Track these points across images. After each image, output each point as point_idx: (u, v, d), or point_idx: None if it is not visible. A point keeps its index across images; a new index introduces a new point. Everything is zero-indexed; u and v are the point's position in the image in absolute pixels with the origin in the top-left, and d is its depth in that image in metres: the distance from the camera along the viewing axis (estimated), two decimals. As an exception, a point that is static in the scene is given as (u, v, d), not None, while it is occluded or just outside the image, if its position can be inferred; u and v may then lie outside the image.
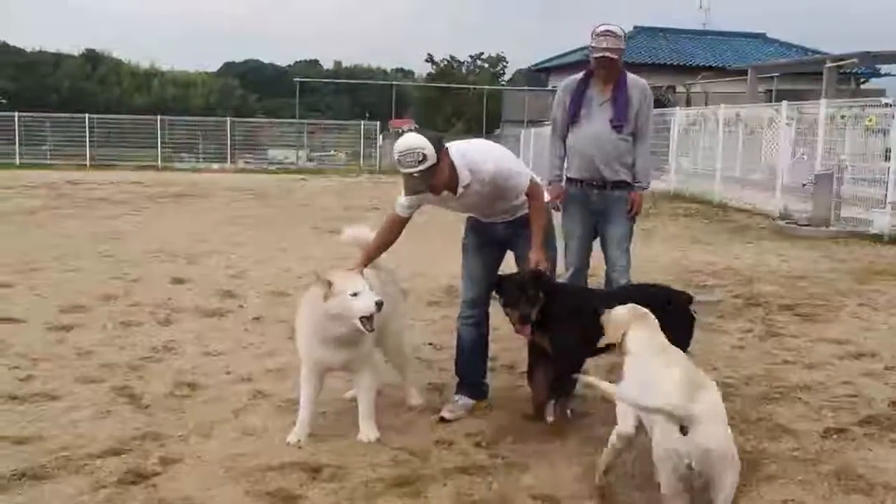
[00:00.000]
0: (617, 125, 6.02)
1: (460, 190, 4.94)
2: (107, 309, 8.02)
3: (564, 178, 6.34)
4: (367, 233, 5.35)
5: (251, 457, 4.56)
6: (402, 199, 5.05)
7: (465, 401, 5.35)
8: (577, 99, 6.12)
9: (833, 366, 6.38)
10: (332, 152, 43.15)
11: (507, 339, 6.59)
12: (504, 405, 5.46)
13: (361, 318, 4.56)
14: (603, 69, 6.01)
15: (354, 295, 4.56)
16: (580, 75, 6.23)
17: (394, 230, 5.16)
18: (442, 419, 5.18)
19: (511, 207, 5.25)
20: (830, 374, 6.14)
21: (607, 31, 5.97)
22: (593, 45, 5.95)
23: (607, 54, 5.92)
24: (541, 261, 5.03)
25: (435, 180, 4.77)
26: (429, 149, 4.67)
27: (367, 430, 4.85)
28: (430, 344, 6.86)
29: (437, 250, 10.96)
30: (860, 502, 4.10)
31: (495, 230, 5.32)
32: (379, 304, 4.54)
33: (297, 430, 4.83)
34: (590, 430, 5.02)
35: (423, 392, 5.62)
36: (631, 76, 6.17)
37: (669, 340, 4.17)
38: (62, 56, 66.47)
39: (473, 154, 4.94)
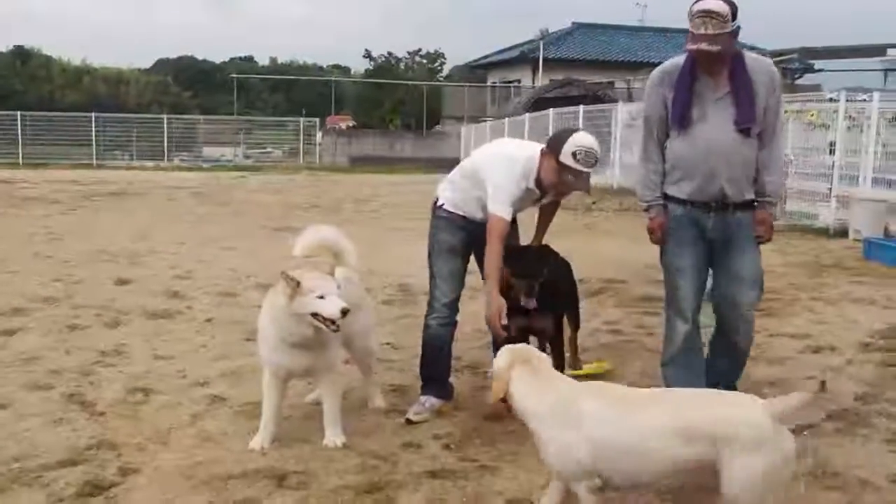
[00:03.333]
0: (744, 127, 4.58)
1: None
2: (49, 312, 7.75)
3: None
4: (333, 234, 5.20)
5: (213, 464, 4.39)
6: (505, 203, 4.86)
7: (431, 402, 5.21)
8: (684, 93, 4.64)
9: (795, 360, 6.39)
10: (270, 149, 42.75)
11: (470, 339, 6.53)
12: (470, 406, 5.34)
13: (320, 319, 4.38)
14: (706, 63, 4.57)
15: (321, 297, 4.39)
16: (681, 59, 4.69)
17: (505, 238, 4.94)
18: (408, 421, 5.06)
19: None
20: (793, 369, 6.14)
21: (705, 11, 4.37)
22: (691, 29, 4.43)
23: (703, 47, 4.39)
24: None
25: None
26: (599, 153, 4.80)
27: (333, 435, 4.69)
28: (388, 343, 6.71)
29: (387, 248, 10.85)
30: (838, 500, 4.07)
31: (480, 232, 5.08)
32: (344, 311, 4.35)
33: (261, 436, 4.66)
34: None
35: (385, 394, 5.49)
36: (750, 56, 4.69)
37: None
38: (-11, 52, 64.80)
39: None
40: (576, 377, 5.61)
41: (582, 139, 4.77)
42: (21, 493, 4.03)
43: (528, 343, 5.43)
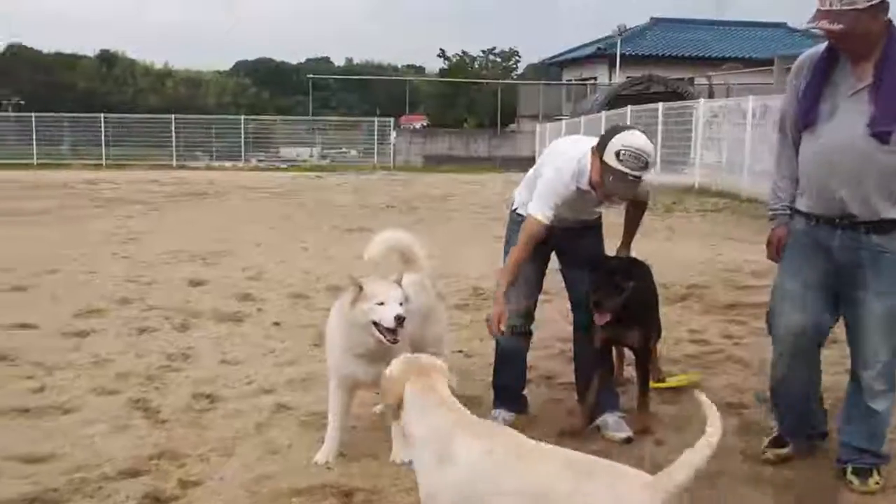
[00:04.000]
0: (882, 130, 3.71)
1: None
2: (123, 314, 7.73)
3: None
4: (404, 238, 5.02)
5: (276, 478, 4.23)
6: (547, 204, 4.55)
7: (504, 415, 4.97)
8: (815, 83, 3.88)
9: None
10: (345, 149, 42.95)
11: (545, 347, 6.30)
12: (545, 420, 5.09)
13: (381, 329, 4.19)
14: (841, 47, 3.81)
15: (381, 304, 4.20)
16: (824, 45, 3.93)
17: (536, 242, 4.66)
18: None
19: (597, 212, 4.96)
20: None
21: None
22: (817, 4, 3.75)
23: (823, 25, 3.69)
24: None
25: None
26: (652, 155, 4.36)
27: (401, 451, 4.50)
28: (460, 351, 6.50)
29: (461, 250, 10.66)
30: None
31: (555, 235, 4.79)
32: (398, 319, 4.15)
33: (326, 449, 4.49)
34: (643, 449, 4.67)
35: (457, 404, 5.28)
36: None
37: None
38: (77, 57, 66.39)
39: None
40: (659, 389, 5.47)
41: (630, 138, 4.27)
42: (81, 505, 3.93)
43: (611, 356, 5.21)
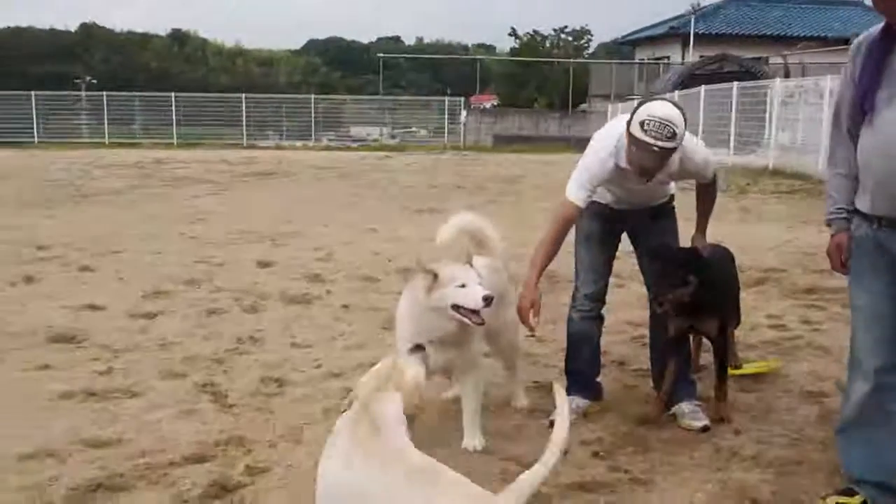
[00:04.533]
0: None
1: (659, 175, 4.32)
2: (190, 295, 7.71)
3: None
4: (477, 220, 4.85)
5: (345, 467, 4.12)
6: (581, 185, 4.40)
7: (578, 402, 4.81)
8: (872, 67, 3.37)
9: None
10: (415, 129, 42.90)
11: (619, 332, 6.11)
12: (619, 407, 4.92)
13: (462, 311, 4.03)
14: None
15: (462, 286, 4.04)
16: (881, 24, 3.39)
17: (569, 225, 4.53)
18: (553, 424, 4.67)
19: (662, 194, 4.74)
20: None
21: None
22: None
23: None
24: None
25: (667, 162, 4.18)
26: (681, 127, 4.08)
27: (472, 438, 4.36)
28: (532, 336, 6.31)
29: (531, 232, 10.42)
30: None
31: (625, 218, 4.72)
32: (487, 299, 4.00)
33: None
34: (721, 438, 4.49)
35: (528, 392, 5.13)
36: None
37: None
38: (150, 36, 67.43)
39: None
40: (736, 377, 5.26)
41: (655, 107, 4.06)
42: (146, 492, 3.85)
43: (688, 343, 4.98)
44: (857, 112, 3.46)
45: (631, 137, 4.10)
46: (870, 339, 3.54)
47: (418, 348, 3.39)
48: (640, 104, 4.18)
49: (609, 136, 4.41)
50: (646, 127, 4.01)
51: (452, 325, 4.09)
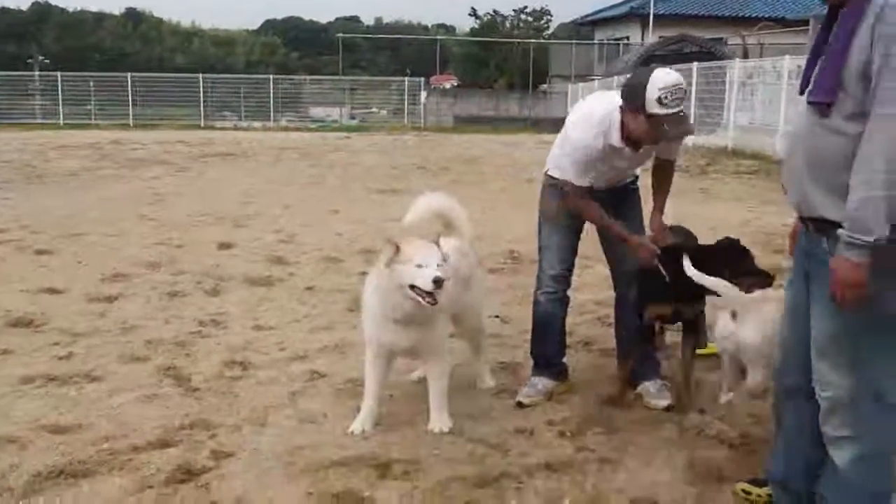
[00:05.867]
0: (815, 101, 2.93)
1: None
2: (151, 278, 7.60)
3: None
4: (446, 202, 4.83)
5: (312, 449, 4.09)
6: (582, 173, 4.41)
7: (544, 383, 4.82)
8: (815, 48, 3.06)
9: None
10: (375, 109, 42.69)
11: (584, 312, 6.11)
12: (586, 388, 4.95)
13: (418, 292, 4.00)
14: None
15: (419, 266, 4.00)
16: None
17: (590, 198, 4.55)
18: (520, 404, 4.68)
19: (632, 174, 4.78)
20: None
21: None
22: None
23: None
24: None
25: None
26: (684, 83, 4.16)
27: (439, 420, 4.34)
28: (497, 317, 6.32)
29: (495, 213, 10.45)
30: None
31: (596, 198, 4.68)
32: (437, 282, 3.95)
33: (362, 418, 4.34)
34: (686, 418, 4.52)
35: (494, 372, 5.12)
36: None
37: None
38: (104, 15, 66.36)
39: None
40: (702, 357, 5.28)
41: (662, 78, 4.02)
42: (109, 478, 3.78)
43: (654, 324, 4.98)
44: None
45: (653, 118, 4.05)
46: (786, 343, 3.37)
47: None
48: (635, 84, 4.13)
49: (590, 121, 4.37)
50: (665, 101, 4.00)
51: (409, 305, 4.06)
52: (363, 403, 4.38)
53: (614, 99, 4.34)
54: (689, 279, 4.35)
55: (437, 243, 4.17)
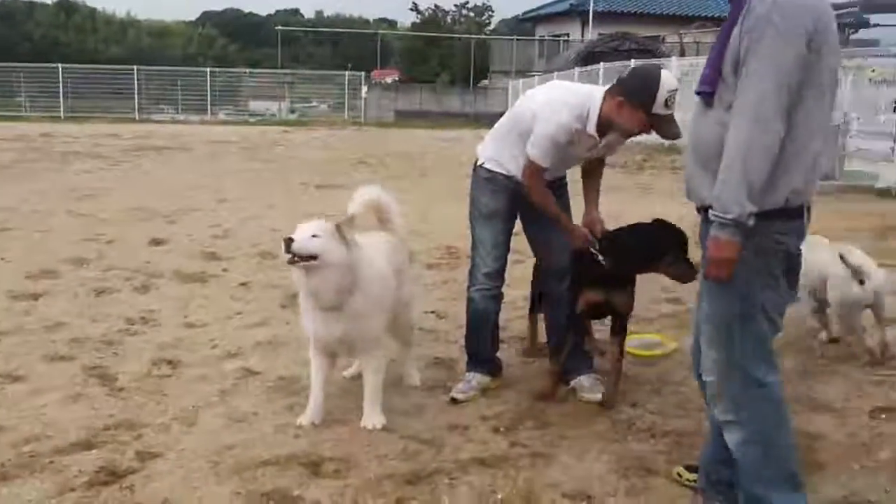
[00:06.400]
0: (701, 90, 3.08)
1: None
2: (79, 274, 7.42)
3: None
4: (383, 195, 4.80)
5: (241, 449, 4.01)
6: (547, 153, 4.39)
7: (478, 379, 4.79)
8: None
9: (866, 334, 5.81)
10: (315, 104, 42.38)
11: (517, 308, 6.10)
12: (519, 383, 4.94)
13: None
14: None
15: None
16: None
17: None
18: (454, 400, 4.65)
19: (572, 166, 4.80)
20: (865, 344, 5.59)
21: None
22: None
23: None
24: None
25: None
26: None
27: (372, 417, 4.30)
28: (433, 312, 6.29)
29: (433, 208, 10.41)
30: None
31: (521, 195, 4.63)
32: (286, 241, 4.00)
33: (307, 413, 4.32)
34: (618, 411, 4.54)
35: (429, 367, 5.13)
36: None
37: None
38: (35, 4, 64.84)
39: None
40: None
41: (670, 81, 4.15)
42: (30, 480, 3.66)
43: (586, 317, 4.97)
44: None
45: (657, 117, 4.16)
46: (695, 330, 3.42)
47: None
48: (648, 83, 4.16)
49: (565, 105, 4.37)
50: (669, 103, 4.12)
51: (303, 279, 4.09)
52: (310, 398, 4.34)
53: (585, 87, 4.49)
54: (622, 266, 4.41)
55: (327, 220, 4.23)
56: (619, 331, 4.72)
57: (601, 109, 4.30)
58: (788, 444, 3.18)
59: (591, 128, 4.34)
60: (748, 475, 3.18)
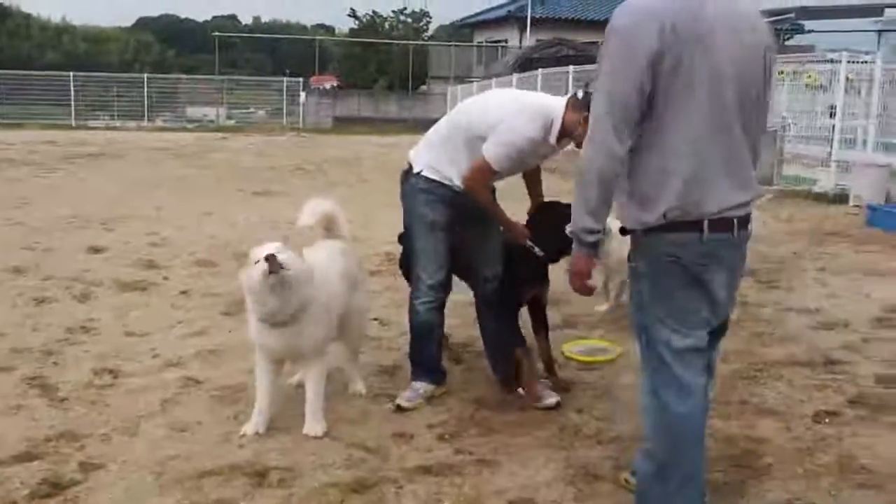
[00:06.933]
0: None
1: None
2: (16, 283, 7.30)
3: None
4: (332, 205, 4.86)
5: (185, 459, 3.99)
6: (509, 157, 4.42)
7: (424, 387, 4.80)
8: None
9: (807, 338, 6.00)
10: (253, 110, 42.05)
11: (461, 315, 6.13)
12: (463, 390, 4.95)
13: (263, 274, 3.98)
14: None
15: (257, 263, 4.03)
16: None
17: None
18: (399, 408, 4.66)
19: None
20: (807, 348, 5.76)
21: None
22: None
23: None
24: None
25: None
26: None
27: (314, 424, 4.30)
28: (376, 319, 6.31)
29: (372, 214, 10.40)
30: (870, 498, 3.71)
31: (464, 202, 4.61)
32: (268, 258, 3.95)
33: (252, 422, 4.31)
34: (564, 417, 4.57)
35: (373, 374, 5.13)
36: None
37: None
38: (-34, 9, 63.55)
39: None
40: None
41: None
42: (-31, 494, 3.62)
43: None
44: None
45: None
46: None
47: None
48: None
49: (534, 114, 4.40)
50: None
51: (272, 299, 4.05)
52: (255, 406, 4.32)
53: (547, 98, 4.55)
54: (552, 251, 4.59)
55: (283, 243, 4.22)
56: (544, 318, 4.92)
57: (563, 120, 4.35)
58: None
59: (553, 138, 4.40)
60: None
